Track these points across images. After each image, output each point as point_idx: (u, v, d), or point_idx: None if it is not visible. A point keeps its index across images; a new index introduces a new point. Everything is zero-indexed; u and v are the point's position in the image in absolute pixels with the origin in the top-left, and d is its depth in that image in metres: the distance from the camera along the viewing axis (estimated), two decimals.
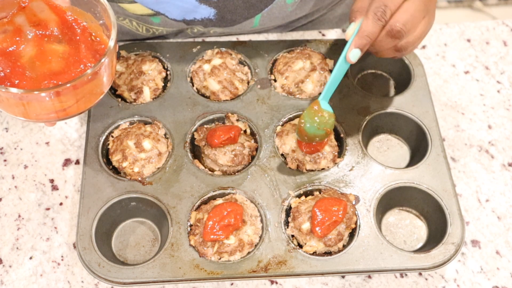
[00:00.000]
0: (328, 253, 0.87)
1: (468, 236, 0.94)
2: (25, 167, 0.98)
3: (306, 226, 0.86)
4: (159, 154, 0.93)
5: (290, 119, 0.98)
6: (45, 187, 0.96)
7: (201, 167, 0.93)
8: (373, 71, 1.09)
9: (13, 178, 0.97)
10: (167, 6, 0.96)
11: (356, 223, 0.88)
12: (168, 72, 1.02)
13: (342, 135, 0.96)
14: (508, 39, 1.16)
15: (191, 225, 0.87)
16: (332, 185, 0.91)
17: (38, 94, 0.70)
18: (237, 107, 0.98)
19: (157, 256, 0.85)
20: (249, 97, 1.00)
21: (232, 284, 0.89)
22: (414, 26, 0.82)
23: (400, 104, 1.00)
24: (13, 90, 0.69)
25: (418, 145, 0.98)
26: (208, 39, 1.10)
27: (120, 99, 0.99)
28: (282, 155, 0.95)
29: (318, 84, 1.01)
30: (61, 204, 0.95)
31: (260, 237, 0.87)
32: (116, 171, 0.93)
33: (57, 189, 0.96)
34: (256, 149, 0.95)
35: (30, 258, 0.90)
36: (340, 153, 0.95)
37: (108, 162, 0.94)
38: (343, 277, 0.89)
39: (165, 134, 0.96)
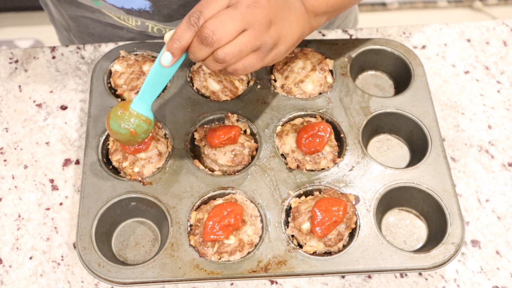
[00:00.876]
0: (328, 253, 0.87)
1: (468, 236, 0.94)
2: (25, 167, 0.98)
3: (306, 226, 0.86)
4: (159, 154, 0.93)
5: (290, 119, 0.98)
6: (45, 187, 0.96)
7: (201, 167, 0.93)
8: (373, 71, 1.09)
9: (13, 178, 0.97)
10: None
11: (356, 223, 0.88)
12: None
13: (342, 135, 0.96)
14: (508, 39, 1.16)
15: (191, 225, 0.87)
16: (332, 185, 0.91)
17: None
18: (237, 107, 0.98)
19: (157, 256, 0.85)
20: (249, 97, 1.00)
21: (232, 284, 0.89)
22: (226, 35, 0.76)
23: (400, 104, 1.00)
24: None
25: (418, 145, 0.98)
26: None
27: (120, 99, 0.99)
28: (282, 155, 0.95)
29: (318, 84, 1.01)
30: (61, 204, 0.95)
31: (260, 237, 0.87)
32: (116, 171, 0.93)
33: (57, 189, 0.96)
34: (256, 149, 0.95)
35: (30, 258, 0.90)
36: (340, 153, 0.95)
37: (108, 162, 0.94)
38: (343, 277, 0.89)
39: (165, 134, 0.96)
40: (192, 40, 0.77)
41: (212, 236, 0.83)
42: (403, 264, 0.85)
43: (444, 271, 0.91)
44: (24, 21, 2.13)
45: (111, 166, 0.94)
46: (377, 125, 1.00)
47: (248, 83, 1.02)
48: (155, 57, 1.03)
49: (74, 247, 0.91)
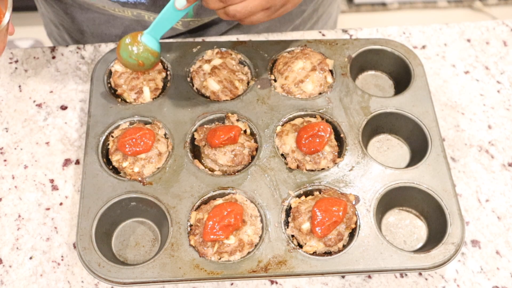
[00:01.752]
0: (328, 253, 0.87)
1: (468, 236, 0.94)
2: (25, 167, 0.98)
3: (306, 226, 0.86)
4: (159, 154, 0.93)
5: (290, 119, 0.98)
6: (45, 187, 0.96)
7: (201, 167, 0.93)
8: (373, 71, 1.09)
9: (13, 178, 0.97)
10: None
11: (356, 223, 0.88)
12: (168, 72, 1.02)
13: (342, 135, 0.96)
14: (508, 39, 1.16)
15: (191, 225, 0.87)
16: (332, 185, 0.91)
17: None
18: (237, 107, 0.98)
19: (157, 256, 0.85)
20: (249, 97, 1.00)
21: (232, 284, 0.89)
22: None
23: (400, 104, 1.00)
24: None
25: (418, 145, 0.98)
26: (208, 39, 1.10)
27: (120, 99, 0.99)
28: (282, 155, 0.95)
29: (318, 84, 1.01)
30: (61, 204, 0.95)
31: (260, 237, 0.87)
32: (116, 171, 0.93)
33: (57, 189, 0.96)
34: (256, 149, 0.95)
35: (30, 258, 0.90)
36: (340, 153, 0.95)
37: (108, 162, 0.94)
38: (343, 277, 0.89)
39: (165, 134, 0.96)
40: None
41: (212, 236, 0.83)
42: (403, 264, 0.85)
43: (444, 271, 0.91)
44: (24, 21, 2.13)
45: (111, 166, 0.94)
46: (377, 125, 1.00)
47: (248, 83, 1.02)
48: None
49: (74, 247, 0.91)
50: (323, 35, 1.14)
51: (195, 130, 0.96)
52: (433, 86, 1.08)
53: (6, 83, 1.07)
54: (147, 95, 0.99)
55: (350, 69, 1.04)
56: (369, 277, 0.90)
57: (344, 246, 0.87)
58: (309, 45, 1.06)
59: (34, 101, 1.05)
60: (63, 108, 1.04)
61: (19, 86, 1.06)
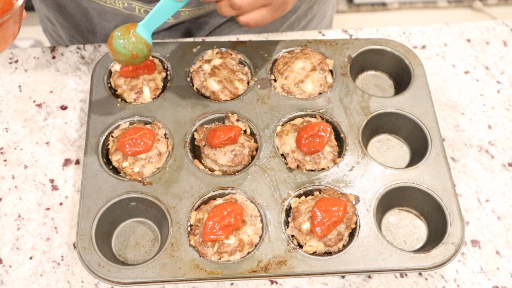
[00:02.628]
0: (328, 253, 0.87)
1: (468, 236, 0.94)
2: (25, 167, 0.98)
3: (306, 226, 0.86)
4: (159, 154, 0.93)
5: (290, 119, 0.98)
6: (45, 187, 0.96)
7: (201, 167, 0.93)
8: (373, 71, 1.09)
9: (13, 178, 0.97)
10: None
11: (356, 223, 0.88)
12: (168, 72, 1.02)
13: (342, 135, 0.96)
14: (508, 39, 1.16)
15: (191, 225, 0.87)
16: (332, 185, 0.91)
17: None
18: (237, 107, 0.98)
19: (157, 256, 0.85)
20: (249, 97, 1.00)
21: (232, 284, 0.89)
22: None
23: (400, 104, 1.00)
24: None
25: (418, 145, 0.98)
26: (208, 39, 1.10)
27: (120, 99, 0.99)
28: (282, 155, 0.95)
29: (318, 84, 1.01)
30: (61, 204, 0.95)
31: (260, 237, 0.87)
32: (116, 171, 0.93)
33: (57, 189, 0.96)
34: (256, 149, 0.95)
35: (30, 258, 0.90)
36: (340, 153, 0.95)
37: (108, 162, 0.94)
38: (343, 277, 0.89)
39: (165, 134, 0.96)
40: None
41: (212, 236, 0.83)
42: (403, 264, 0.85)
43: (444, 271, 0.91)
44: (24, 21, 2.13)
45: (111, 166, 0.94)
46: (377, 125, 1.00)
47: (248, 83, 1.02)
48: (155, 57, 1.03)
49: (74, 247, 0.91)
50: (323, 35, 1.14)
51: (195, 130, 0.96)
52: (433, 86, 1.08)
53: (6, 83, 1.07)
54: (147, 95, 0.99)
55: (350, 69, 1.04)
56: (369, 277, 0.90)
57: (344, 246, 0.87)
58: (309, 45, 1.06)
59: (34, 101, 1.05)
60: (63, 108, 1.04)
61: (19, 86, 1.06)
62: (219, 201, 0.88)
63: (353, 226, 0.88)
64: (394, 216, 0.94)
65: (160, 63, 1.03)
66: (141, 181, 0.91)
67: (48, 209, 0.94)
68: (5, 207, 0.94)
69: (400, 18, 2.65)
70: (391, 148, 1.01)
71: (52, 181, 0.97)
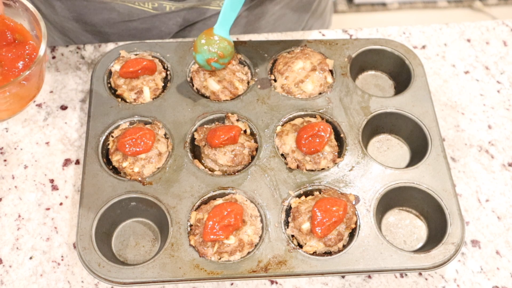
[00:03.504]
0: (328, 253, 0.87)
1: (468, 236, 0.94)
2: (25, 167, 0.98)
3: (306, 226, 0.86)
4: (159, 154, 0.93)
5: (290, 119, 0.98)
6: (45, 187, 0.96)
7: (201, 167, 0.93)
8: (373, 71, 1.09)
9: (13, 178, 0.97)
10: None
11: (356, 223, 0.88)
12: (168, 72, 1.02)
13: (342, 135, 0.96)
14: (508, 39, 1.16)
15: (191, 225, 0.87)
16: (332, 185, 0.91)
17: None
18: (237, 107, 0.98)
19: (157, 256, 0.85)
20: (249, 97, 1.00)
21: (232, 284, 0.89)
22: None
23: (400, 104, 1.00)
24: None
25: (418, 145, 0.98)
26: None
27: (120, 99, 0.99)
28: (282, 155, 0.95)
29: (318, 84, 1.01)
30: (61, 204, 0.95)
31: (260, 237, 0.87)
32: (116, 171, 0.93)
33: (57, 189, 0.96)
34: (256, 149, 0.95)
35: (30, 258, 0.90)
36: (340, 153, 0.95)
37: (108, 162, 0.94)
38: (343, 277, 0.89)
39: (165, 134, 0.96)
40: None
41: (212, 236, 0.83)
42: (403, 264, 0.85)
43: (444, 271, 0.91)
44: None
45: (111, 166, 0.94)
46: (377, 125, 1.00)
47: (248, 83, 1.02)
48: (155, 57, 1.03)
49: (74, 247, 0.91)
50: (323, 35, 1.14)
51: (195, 130, 0.96)
52: (433, 86, 1.08)
53: None
54: (147, 95, 0.99)
55: (350, 69, 1.04)
56: (369, 277, 0.90)
57: (344, 246, 0.87)
58: (309, 45, 1.06)
59: (34, 101, 1.05)
60: (63, 108, 1.04)
61: None
62: (219, 201, 0.88)
63: (353, 226, 0.88)
64: (394, 216, 0.94)
65: (160, 63, 1.03)
66: (141, 181, 0.91)
67: (48, 209, 0.94)
68: (5, 207, 0.94)
69: (400, 18, 2.65)
70: (391, 148, 1.01)
71: (52, 181, 0.97)
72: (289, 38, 1.12)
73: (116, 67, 1.01)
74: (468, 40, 1.16)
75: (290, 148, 0.94)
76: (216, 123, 0.98)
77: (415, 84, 1.02)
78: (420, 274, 0.90)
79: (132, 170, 0.91)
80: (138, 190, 0.90)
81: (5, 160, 0.98)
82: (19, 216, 0.93)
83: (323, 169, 0.93)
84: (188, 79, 1.02)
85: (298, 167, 0.93)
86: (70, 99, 1.05)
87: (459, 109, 1.07)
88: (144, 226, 0.92)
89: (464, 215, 0.95)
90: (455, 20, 2.09)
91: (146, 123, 0.97)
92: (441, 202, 0.90)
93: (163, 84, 1.02)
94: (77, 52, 1.10)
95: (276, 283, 0.89)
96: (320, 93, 1.01)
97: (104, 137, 0.95)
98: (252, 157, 0.95)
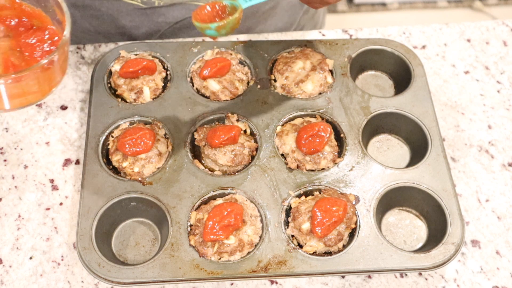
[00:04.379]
0: (328, 253, 0.87)
1: (468, 236, 0.94)
2: (25, 167, 0.98)
3: (306, 226, 0.86)
4: (159, 154, 0.93)
5: (290, 119, 0.98)
6: (45, 187, 0.96)
7: (201, 167, 0.93)
8: (373, 71, 1.09)
9: (13, 178, 0.97)
10: None
11: (356, 223, 0.88)
12: (168, 72, 1.02)
13: (342, 135, 0.96)
14: (508, 39, 1.16)
15: (191, 225, 0.87)
16: (332, 185, 0.91)
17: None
18: (237, 107, 0.98)
19: (157, 256, 0.85)
20: (249, 97, 1.00)
21: (232, 284, 0.89)
22: None
23: (400, 104, 1.00)
24: None
25: (418, 145, 0.98)
26: (208, 39, 1.10)
27: (120, 99, 0.99)
28: (282, 155, 0.95)
29: (318, 84, 1.01)
30: (61, 204, 0.95)
31: (260, 237, 0.87)
32: (116, 171, 0.93)
33: (57, 189, 0.96)
34: (256, 149, 0.95)
35: (30, 258, 0.90)
36: (340, 153, 0.95)
37: (108, 162, 0.94)
38: (343, 277, 0.89)
39: (165, 134, 0.96)
40: None
41: (212, 236, 0.83)
42: (403, 264, 0.85)
43: (444, 271, 0.91)
44: None
45: (111, 166, 0.94)
46: (377, 125, 1.00)
47: (248, 83, 1.02)
48: (155, 57, 1.03)
49: (74, 247, 0.91)
50: (323, 35, 1.14)
51: (195, 130, 0.96)
52: (433, 86, 1.08)
53: None
54: (147, 95, 0.99)
55: (350, 69, 1.04)
56: (369, 277, 0.90)
57: (344, 246, 0.87)
58: (309, 45, 1.06)
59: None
60: (63, 108, 1.04)
61: None
62: (219, 201, 0.88)
63: (353, 226, 0.88)
64: (394, 216, 0.94)
65: (160, 63, 1.03)
66: (141, 181, 0.91)
67: (48, 209, 0.94)
68: (5, 207, 0.94)
69: (400, 18, 2.65)
70: (391, 148, 1.01)
71: (52, 181, 0.97)
72: (289, 38, 1.12)
73: (116, 67, 1.01)
74: (468, 40, 1.16)
75: (290, 148, 0.94)
76: (216, 123, 0.98)
77: (415, 84, 1.02)
78: (420, 274, 0.90)
79: (132, 170, 0.91)
80: (138, 190, 0.90)
81: (5, 160, 0.98)
82: (19, 216, 0.93)
83: (323, 169, 0.93)
84: (188, 79, 1.02)
85: (298, 167, 0.93)
86: (70, 99, 1.05)
87: (459, 109, 1.07)
88: (144, 226, 0.92)
89: (464, 215, 0.95)
90: (455, 20, 2.09)
91: (146, 123, 0.97)
92: (441, 202, 0.90)
93: (163, 84, 1.02)
94: (77, 52, 1.10)
95: (276, 283, 0.89)
96: (320, 93, 1.01)
97: (104, 137, 0.95)
98: (252, 157, 0.95)
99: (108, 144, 0.95)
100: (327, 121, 0.98)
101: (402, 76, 1.05)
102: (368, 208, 0.90)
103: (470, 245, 0.93)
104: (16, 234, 0.92)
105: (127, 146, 0.91)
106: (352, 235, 0.88)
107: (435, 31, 1.16)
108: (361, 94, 1.01)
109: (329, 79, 1.02)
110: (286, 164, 0.93)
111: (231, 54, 1.03)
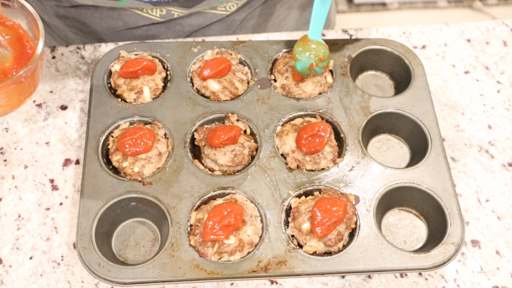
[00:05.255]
0: (328, 253, 0.87)
1: (468, 236, 0.94)
2: (25, 167, 0.98)
3: (306, 226, 0.86)
4: (159, 154, 0.93)
5: (290, 119, 0.98)
6: (45, 187, 0.96)
7: (201, 167, 0.93)
8: (373, 71, 1.09)
9: (13, 178, 0.97)
10: None
11: (356, 223, 0.88)
12: (168, 72, 1.02)
13: (342, 135, 0.96)
14: (508, 39, 1.16)
15: (191, 225, 0.87)
16: (332, 185, 0.91)
17: None
18: (237, 107, 0.98)
19: (157, 256, 0.85)
20: (249, 97, 1.00)
21: (232, 284, 0.89)
22: None
23: (400, 104, 1.00)
24: None
25: (418, 145, 0.98)
26: (208, 39, 1.10)
27: (120, 99, 0.99)
28: (282, 155, 0.95)
29: (318, 84, 1.01)
30: (61, 204, 0.95)
31: (260, 237, 0.87)
32: (116, 171, 0.93)
33: (57, 189, 0.96)
34: (256, 149, 0.95)
35: (30, 258, 0.90)
36: (340, 153, 0.95)
37: (108, 162, 0.94)
38: (343, 277, 0.89)
39: (165, 134, 0.96)
40: None
41: (212, 236, 0.83)
42: (403, 264, 0.85)
43: (444, 271, 0.91)
44: None
45: (111, 166, 0.94)
46: (377, 125, 1.00)
47: (248, 83, 1.02)
48: (155, 57, 1.03)
49: (74, 247, 0.91)
50: (323, 35, 1.14)
51: (195, 130, 0.96)
52: (433, 86, 1.08)
53: None
54: (147, 95, 0.99)
55: (350, 69, 1.04)
56: (369, 277, 0.90)
57: (344, 246, 0.87)
58: None
59: (34, 101, 1.05)
60: (63, 108, 1.04)
61: None
62: (219, 201, 0.88)
63: (353, 226, 0.88)
64: (394, 216, 0.94)
65: (160, 63, 1.03)
66: (141, 181, 0.91)
67: (48, 209, 0.94)
68: (5, 207, 0.94)
69: (400, 18, 2.65)
70: (391, 148, 1.01)
71: (52, 181, 0.97)
72: (289, 38, 1.12)
73: (116, 67, 1.01)
74: (468, 40, 1.16)
75: (290, 148, 0.94)
76: (216, 123, 0.98)
77: (415, 84, 1.02)
78: (420, 274, 0.90)
79: (132, 170, 0.91)
80: (138, 190, 0.90)
81: (5, 160, 0.98)
82: (19, 216, 0.93)
83: (323, 169, 0.93)
84: (188, 79, 1.02)
85: (298, 167, 0.93)
86: (70, 99, 1.05)
87: (459, 109, 1.07)
88: (144, 226, 0.92)
89: (464, 215, 0.95)
90: (455, 20, 2.09)
91: (146, 123, 0.97)
92: (441, 202, 0.90)
93: (163, 84, 1.02)
94: (77, 52, 1.10)
95: (276, 283, 0.89)
96: (320, 93, 1.01)
97: (104, 137, 0.95)
98: (252, 157, 0.95)
99: (108, 144, 0.95)
100: (327, 121, 0.98)
101: (402, 76, 1.05)
102: (368, 208, 0.90)
103: (470, 245, 0.93)
104: (16, 234, 0.92)
105: (127, 146, 0.91)
106: (352, 235, 0.88)
107: (435, 31, 1.16)
108: (361, 94, 1.01)
109: (329, 79, 1.02)
110: (286, 164, 0.93)
111: (231, 54, 1.03)
